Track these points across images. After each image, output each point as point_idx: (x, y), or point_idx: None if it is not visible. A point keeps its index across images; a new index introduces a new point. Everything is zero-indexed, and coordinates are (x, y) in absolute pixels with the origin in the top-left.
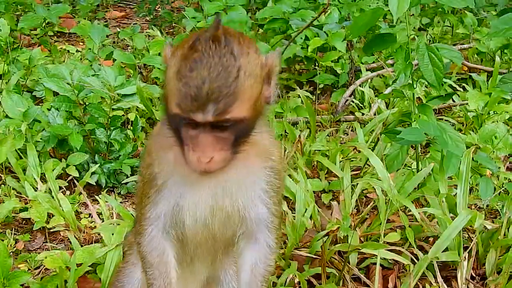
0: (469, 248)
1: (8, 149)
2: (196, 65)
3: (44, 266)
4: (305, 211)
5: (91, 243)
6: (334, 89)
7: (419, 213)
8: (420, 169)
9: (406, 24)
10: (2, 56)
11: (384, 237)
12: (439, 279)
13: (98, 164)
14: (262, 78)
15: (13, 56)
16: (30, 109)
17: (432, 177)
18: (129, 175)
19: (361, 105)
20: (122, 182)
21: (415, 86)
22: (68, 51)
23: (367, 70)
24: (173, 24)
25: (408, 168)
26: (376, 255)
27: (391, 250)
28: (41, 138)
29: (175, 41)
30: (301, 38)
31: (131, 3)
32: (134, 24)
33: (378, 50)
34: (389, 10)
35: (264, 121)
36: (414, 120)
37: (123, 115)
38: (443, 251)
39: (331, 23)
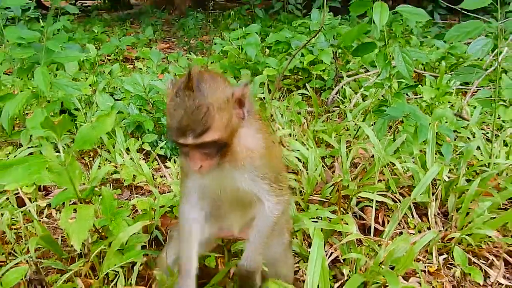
0: (436, 193)
1: (112, 122)
2: (177, 106)
3: (133, 211)
4: (315, 170)
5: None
6: (322, 91)
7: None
8: (395, 139)
9: (384, 33)
10: (92, 70)
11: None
12: (415, 215)
13: (164, 142)
14: (232, 106)
15: (100, 70)
16: (116, 104)
17: (405, 144)
18: None
19: (343, 100)
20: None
21: (391, 79)
22: (134, 67)
23: (347, 76)
24: (204, 50)
25: (389, 138)
26: (368, 199)
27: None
28: (123, 124)
29: (198, 61)
30: (299, 55)
31: (172, 38)
32: (177, 52)
33: (363, 54)
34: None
35: (249, 123)
36: (392, 104)
37: None
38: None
39: (321, 42)
